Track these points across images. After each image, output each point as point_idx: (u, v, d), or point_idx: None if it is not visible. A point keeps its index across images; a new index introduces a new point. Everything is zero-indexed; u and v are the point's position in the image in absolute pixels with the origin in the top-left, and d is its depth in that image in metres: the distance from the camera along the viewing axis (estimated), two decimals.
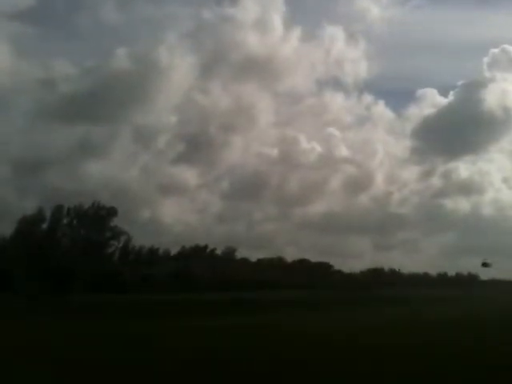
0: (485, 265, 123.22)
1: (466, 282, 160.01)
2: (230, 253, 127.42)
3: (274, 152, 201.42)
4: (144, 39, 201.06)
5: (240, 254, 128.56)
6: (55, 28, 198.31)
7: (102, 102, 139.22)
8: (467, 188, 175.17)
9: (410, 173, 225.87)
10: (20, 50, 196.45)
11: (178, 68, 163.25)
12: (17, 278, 73.92)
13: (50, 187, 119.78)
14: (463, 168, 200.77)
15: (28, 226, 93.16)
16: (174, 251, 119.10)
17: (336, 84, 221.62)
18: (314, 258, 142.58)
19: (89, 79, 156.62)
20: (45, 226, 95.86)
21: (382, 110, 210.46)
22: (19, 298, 61.39)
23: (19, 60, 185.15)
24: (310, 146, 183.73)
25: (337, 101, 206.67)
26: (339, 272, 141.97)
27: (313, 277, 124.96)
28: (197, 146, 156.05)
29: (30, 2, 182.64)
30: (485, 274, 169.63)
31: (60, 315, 39.91)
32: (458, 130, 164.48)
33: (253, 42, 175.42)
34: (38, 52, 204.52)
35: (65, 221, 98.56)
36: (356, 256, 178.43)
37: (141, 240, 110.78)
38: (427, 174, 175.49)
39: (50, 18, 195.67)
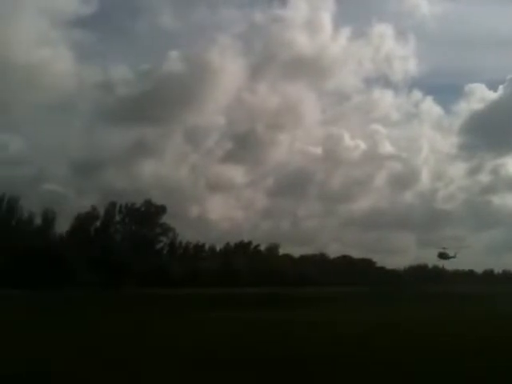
0: (442, 256, 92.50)
1: None
2: (273, 249, 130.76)
3: (320, 150, 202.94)
4: (196, 42, 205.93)
5: (283, 250, 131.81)
6: (113, 34, 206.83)
7: (156, 103, 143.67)
8: None
9: (458, 169, 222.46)
10: (80, 56, 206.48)
11: (229, 69, 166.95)
12: (72, 273, 79.66)
13: (106, 186, 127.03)
14: None
15: (83, 222, 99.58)
16: (219, 247, 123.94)
17: (385, 81, 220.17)
18: (357, 254, 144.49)
19: (144, 82, 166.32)
20: (98, 222, 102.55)
21: (430, 106, 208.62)
22: (75, 291, 66.62)
23: (79, 65, 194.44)
24: (356, 144, 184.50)
25: (385, 98, 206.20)
26: (382, 268, 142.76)
27: (355, 273, 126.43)
28: (244, 144, 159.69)
29: (89, 9, 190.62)
30: None
31: (113, 308, 43.12)
32: (507, 125, 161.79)
33: (302, 41, 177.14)
34: (97, 57, 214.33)
35: (117, 217, 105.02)
36: (400, 252, 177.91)
37: (189, 236, 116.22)
38: (475, 171, 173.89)
39: (108, 24, 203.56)
